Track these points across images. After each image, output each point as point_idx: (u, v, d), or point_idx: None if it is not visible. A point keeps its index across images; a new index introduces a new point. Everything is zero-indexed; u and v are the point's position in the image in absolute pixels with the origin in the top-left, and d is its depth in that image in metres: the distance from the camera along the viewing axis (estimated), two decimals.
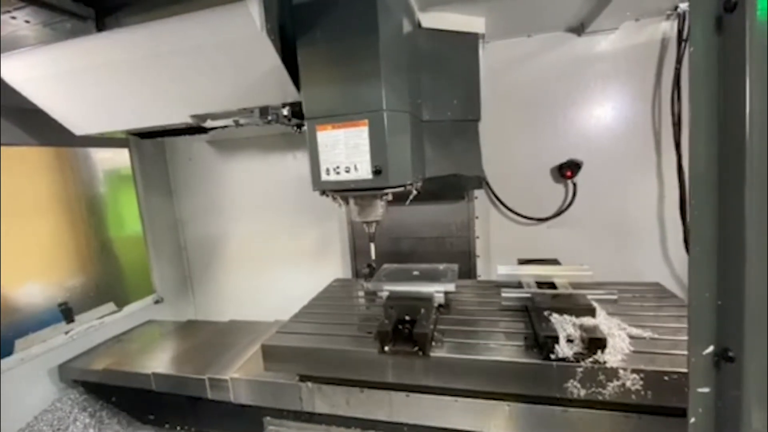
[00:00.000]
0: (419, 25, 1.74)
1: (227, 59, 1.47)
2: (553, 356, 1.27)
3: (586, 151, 2.15)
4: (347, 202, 1.69)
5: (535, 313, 1.50)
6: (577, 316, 1.41)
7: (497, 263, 2.37)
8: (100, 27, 1.41)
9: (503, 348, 1.39)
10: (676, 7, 1.88)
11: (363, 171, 1.46)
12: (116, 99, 1.74)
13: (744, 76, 0.50)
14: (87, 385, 2.19)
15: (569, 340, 1.30)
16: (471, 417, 1.45)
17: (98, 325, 2.41)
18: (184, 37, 1.41)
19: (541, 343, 1.32)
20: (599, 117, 2.13)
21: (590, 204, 2.20)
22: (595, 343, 1.25)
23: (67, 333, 2.24)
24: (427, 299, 1.68)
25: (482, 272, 2.37)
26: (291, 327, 1.75)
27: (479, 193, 2.32)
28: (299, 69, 1.48)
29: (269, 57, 1.42)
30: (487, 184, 2.28)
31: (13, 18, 1.30)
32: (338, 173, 1.49)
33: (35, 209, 2.23)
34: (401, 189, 1.53)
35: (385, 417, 1.53)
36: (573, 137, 2.17)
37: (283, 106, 1.66)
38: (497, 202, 2.32)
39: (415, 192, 1.66)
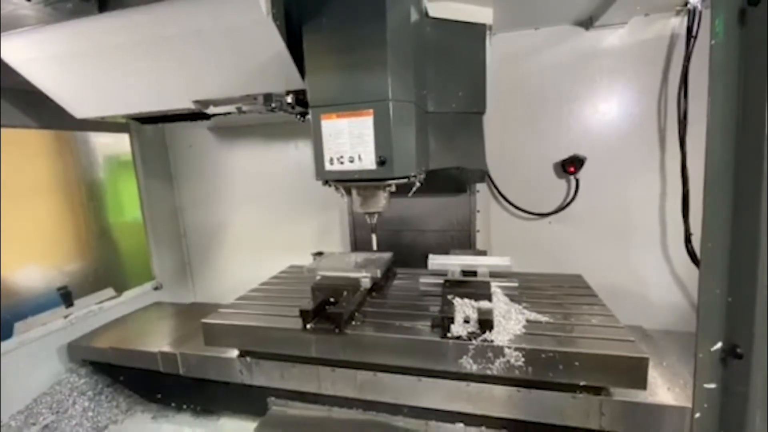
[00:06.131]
0: (426, 14, 1.72)
1: (232, 44, 1.44)
2: (449, 335, 1.41)
3: (590, 147, 2.14)
4: (350, 193, 1.69)
5: (443, 297, 1.63)
6: (476, 300, 1.54)
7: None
8: (103, 8, 1.37)
9: (414, 327, 1.53)
10: (686, 3, 1.85)
11: (367, 161, 1.45)
12: (118, 82, 1.71)
13: (766, 71, 0.49)
14: (95, 364, 2.24)
15: (466, 321, 1.44)
16: (390, 390, 1.58)
17: (97, 309, 2.41)
18: (188, 20, 1.39)
19: (440, 323, 1.46)
20: (604, 113, 2.12)
21: (592, 200, 2.20)
22: (483, 323, 1.41)
23: (66, 317, 2.24)
24: (354, 284, 1.78)
25: None
26: (235, 306, 1.85)
27: (481, 187, 2.31)
28: (304, 56, 1.46)
29: (274, 43, 1.40)
30: (490, 177, 2.27)
31: None
32: (342, 163, 1.48)
33: (35, 193, 2.21)
34: (405, 180, 1.52)
35: (315, 389, 1.68)
36: (577, 133, 2.16)
37: (287, 93, 1.64)
38: (499, 196, 2.32)
39: (418, 184, 1.65)
